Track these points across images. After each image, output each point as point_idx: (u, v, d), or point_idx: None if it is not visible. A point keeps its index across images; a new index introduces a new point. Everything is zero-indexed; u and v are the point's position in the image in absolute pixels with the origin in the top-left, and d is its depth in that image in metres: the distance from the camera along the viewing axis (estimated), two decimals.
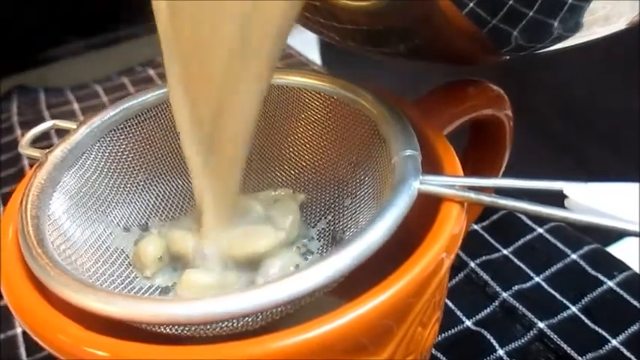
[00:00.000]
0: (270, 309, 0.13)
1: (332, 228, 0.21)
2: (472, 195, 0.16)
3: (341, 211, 0.21)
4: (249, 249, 0.18)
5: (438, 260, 0.15)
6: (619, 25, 0.17)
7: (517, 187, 0.15)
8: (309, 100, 0.21)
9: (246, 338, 0.13)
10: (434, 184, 0.16)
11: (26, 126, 0.21)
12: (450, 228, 0.15)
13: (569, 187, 0.15)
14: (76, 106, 0.48)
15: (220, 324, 0.15)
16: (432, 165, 0.18)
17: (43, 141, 0.20)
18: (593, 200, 0.14)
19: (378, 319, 0.14)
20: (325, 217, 0.22)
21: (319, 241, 0.21)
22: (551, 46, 0.18)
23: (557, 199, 0.15)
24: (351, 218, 0.20)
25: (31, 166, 0.38)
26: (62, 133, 0.21)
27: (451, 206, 0.16)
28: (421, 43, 0.19)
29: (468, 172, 0.25)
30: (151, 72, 0.52)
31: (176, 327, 0.15)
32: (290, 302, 0.13)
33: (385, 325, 0.14)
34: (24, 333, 0.29)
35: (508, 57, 0.20)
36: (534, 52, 0.18)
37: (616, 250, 0.30)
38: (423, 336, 0.16)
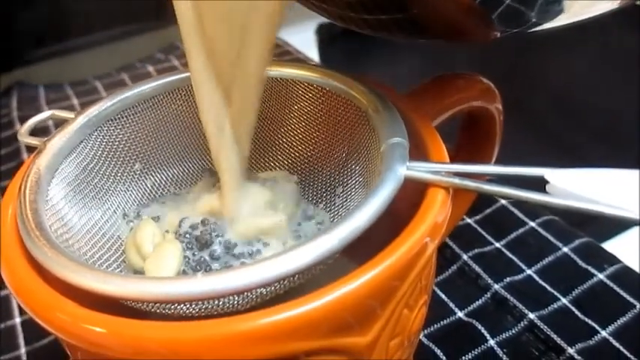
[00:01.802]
0: (255, 288, 0.14)
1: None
2: (457, 180, 0.16)
3: (332, 199, 0.22)
4: (250, 227, 0.19)
5: (421, 243, 0.15)
6: (612, 3, 0.17)
7: (499, 173, 0.16)
8: (302, 91, 0.22)
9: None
10: (420, 170, 0.16)
11: (26, 121, 0.22)
12: (435, 213, 0.16)
13: (549, 173, 0.15)
14: (75, 101, 0.48)
15: (211, 302, 0.15)
16: (420, 153, 0.18)
17: (43, 135, 0.21)
18: (573, 185, 0.15)
19: (363, 298, 0.14)
20: (317, 206, 0.22)
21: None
22: (544, 23, 0.18)
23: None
24: (342, 206, 0.21)
25: None
26: (61, 125, 0.21)
27: (437, 192, 0.16)
28: (415, 14, 0.19)
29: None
30: (150, 68, 0.52)
31: (171, 305, 0.15)
32: (275, 282, 0.14)
33: (370, 304, 0.15)
34: (22, 323, 0.29)
35: (500, 34, 0.19)
36: (527, 29, 0.18)
37: (610, 246, 0.31)
38: (410, 318, 0.17)
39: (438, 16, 0.18)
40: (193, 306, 0.15)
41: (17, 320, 0.29)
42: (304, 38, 0.56)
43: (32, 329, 0.28)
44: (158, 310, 0.16)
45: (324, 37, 0.58)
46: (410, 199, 0.17)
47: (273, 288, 0.15)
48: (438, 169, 0.16)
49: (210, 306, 0.15)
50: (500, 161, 0.26)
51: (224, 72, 0.18)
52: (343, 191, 0.21)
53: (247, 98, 0.18)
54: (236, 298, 0.15)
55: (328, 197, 0.22)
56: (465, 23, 0.18)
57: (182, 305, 0.15)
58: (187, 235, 0.19)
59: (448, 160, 0.18)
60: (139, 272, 0.19)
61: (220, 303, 0.15)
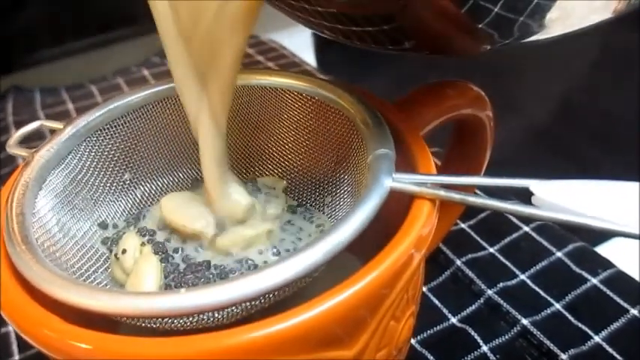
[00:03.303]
0: (238, 303, 0.14)
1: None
2: (442, 192, 0.16)
3: (321, 208, 0.22)
4: (234, 239, 0.19)
5: (407, 255, 0.15)
6: (606, 13, 0.17)
7: (484, 184, 0.16)
8: (292, 100, 0.22)
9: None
10: (406, 182, 0.16)
11: (21, 126, 0.22)
12: (420, 225, 0.16)
13: (534, 185, 0.15)
14: (70, 106, 0.48)
15: (195, 317, 0.15)
16: (408, 164, 0.18)
17: (37, 141, 0.21)
18: (558, 197, 0.15)
19: (348, 312, 0.14)
20: (306, 215, 0.22)
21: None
22: (534, 35, 0.18)
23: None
24: (330, 216, 0.21)
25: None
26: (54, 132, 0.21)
27: (422, 204, 0.16)
28: (403, 28, 0.19)
29: (451, 171, 0.26)
30: (146, 72, 0.52)
31: (157, 320, 0.15)
32: (258, 297, 0.14)
33: (356, 318, 0.15)
34: (16, 330, 0.29)
35: (490, 47, 0.19)
36: (518, 41, 0.18)
37: (603, 250, 0.31)
38: (397, 330, 0.17)
39: (424, 28, 0.18)
40: (177, 320, 0.15)
41: (11, 328, 0.29)
42: (300, 41, 0.56)
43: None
44: (143, 325, 0.16)
45: (321, 40, 0.58)
46: (399, 208, 0.17)
47: (257, 302, 0.15)
48: (424, 181, 0.16)
49: (195, 320, 0.15)
50: (496, 164, 0.26)
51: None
52: (332, 200, 0.21)
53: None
54: (221, 313, 0.15)
55: (317, 207, 0.22)
56: (451, 35, 0.18)
57: (166, 320, 0.15)
58: (170, 247, 0.19)
59: (435, 171, 0.18)
60: (124, 286, 0.19)
61: (205, 317, 0.15)
